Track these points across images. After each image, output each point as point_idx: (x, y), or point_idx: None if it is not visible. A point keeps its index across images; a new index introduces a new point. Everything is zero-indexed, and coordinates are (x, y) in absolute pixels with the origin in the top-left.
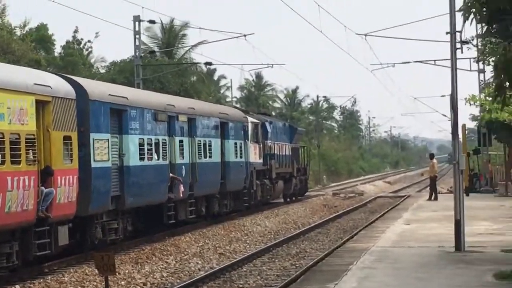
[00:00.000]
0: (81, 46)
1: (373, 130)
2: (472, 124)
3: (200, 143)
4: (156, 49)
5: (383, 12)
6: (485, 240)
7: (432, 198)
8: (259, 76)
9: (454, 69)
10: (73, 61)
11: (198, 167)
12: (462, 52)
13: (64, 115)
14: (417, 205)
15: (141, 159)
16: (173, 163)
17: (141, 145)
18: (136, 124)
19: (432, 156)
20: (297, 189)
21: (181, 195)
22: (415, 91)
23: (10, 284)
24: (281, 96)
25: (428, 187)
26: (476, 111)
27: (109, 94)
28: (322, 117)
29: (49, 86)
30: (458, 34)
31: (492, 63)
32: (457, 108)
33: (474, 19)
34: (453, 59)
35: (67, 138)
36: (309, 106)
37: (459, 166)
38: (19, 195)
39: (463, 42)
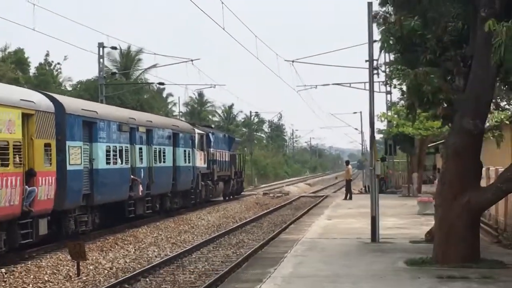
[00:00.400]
0: (52, 67)
1: (296, 141)
2: (378, 136)
3: (156, 150)
4: (115, 71)
5: (310, 42)
6: (394, 233)
7: (347, 198)
8: (201, 95)
9: (371, 91)
10: (45, 80)
11: (154, 171)
12: (378, 77)
13: (45, 126)
14: (335, 203)
15: (108, 163)
16: (134, 167)
17: (107, 151)
18: (104, 134)
19: (347, 162)
20: (234, 189)
21: (140, 194)
22: (332, 108)
23: None
24: (219, 111)
25: (344, 188)
26: (381, 125)
27: (82, 109)
28: (253, 129)
29: (33, 101)
30: (374, 61)
31: (398, 87)
32: (374, 123)
33: (389, 50)
34: (371, 82)
35: (47, 145)
36: (242, 120)
37: (375, 171)
38: (7, 193)
39: (374, 69)
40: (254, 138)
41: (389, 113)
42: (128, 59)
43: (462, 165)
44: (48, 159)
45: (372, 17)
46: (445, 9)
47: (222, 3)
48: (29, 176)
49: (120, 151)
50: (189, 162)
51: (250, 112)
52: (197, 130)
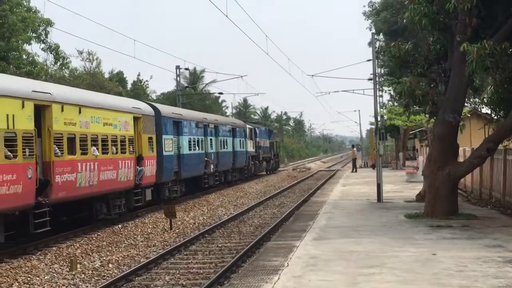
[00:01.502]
0: (142, 83)
1: (312, 131)
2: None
3: (221, 140)
4: (186, 84)
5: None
6: (392, 195)
7: (353, 171)
8: (245, 100)
9: (375, 96)
10: (138, 92)
11: (220, 154)
12: (387, 86)
13: (148, 125)
14: (345, 175)
15: (190, 149)
16: (207, 152)
17: (189, 142)
18: (187, 129)
19: (353, 146)
20: (274, 166)
21: (211, 171)
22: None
23: (114, 225)
24: (258, 111)
25: (351, 164)
26: (372, 119)
27: (172, 112)
28: (283, 124)
29: (140, 108)
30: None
31: (388, 92)
32: (377, 118)
33: (391, 66)
34: (375, 91)
35: (150, 138)
36: (275, 117)
37: (379, 152)
38: (125, 171)
39: (370, 79)
40: (284, 130)
41: (383, 111)
42: (195, 76)
43: (444, 147)
44: (151, 148)
45: (374, 44)
46: (422, 36)
47: (266, 36)
48: (139, 160)
49: (198, 141)
50: (243, 148)
51: (281, 112)
52: (247, 125)
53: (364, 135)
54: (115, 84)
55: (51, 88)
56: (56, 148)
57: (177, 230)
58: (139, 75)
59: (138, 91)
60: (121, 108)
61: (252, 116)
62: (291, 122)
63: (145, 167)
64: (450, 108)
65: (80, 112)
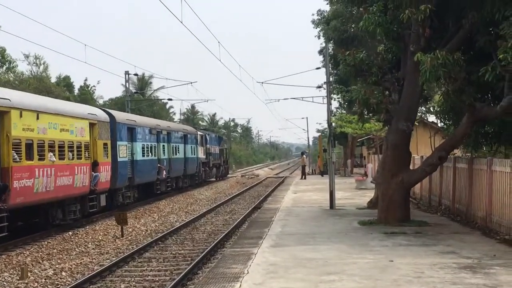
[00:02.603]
0: (89, 88)
1: (260, 138)
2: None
3: (173, 147)
4: (134, 90)
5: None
6: (344, 202)
7: (303, 178)
8: (193, 107)
9: (328, 103)
10: (86, 98)
11: (172, 161)
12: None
13: (103, 131)
14: (295, 182)
15: (143, 156)
16: (160, 158)
17: (143, 148)
18: (140, 136)
19: (302, 153)
20: (223, 173)
21: (163, 177)
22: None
23: (64, 232)
24: (206, 118)
25: (300, 171)
26: (319, 126)
27: (127, 119)
28: (231, 130)
29: (95, 114)
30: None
31: (337, 99)
32: (332, 126)
33: (346, 75)
34: (328, 98)
35: (105, 144)
36: (223, 124)
37: (332, 159)
38: (81, 177)
39: (319, 87)
40: (231, 137)
41: (333, 118)
42: (143, 82)
43: (397, 154)
44: (106, 154)
45: (327, 51)
46: (372, 46)
47: (219, 42)
48: (94, 166)
49: (151, 147)
50: (194, 154)
51: (229, 118)
52: (198, 132)
53: (311, 142)
54: (62, 89)
55: (10, 94)
56: (15, 154)
57: (129, 237)
58: (86, 80)
59: (85, 96)
60: (77, 114)
61: (200, 122)
62: (239, 129)
63: (100, 173)
64: (403, 117)
65: (38, 118)
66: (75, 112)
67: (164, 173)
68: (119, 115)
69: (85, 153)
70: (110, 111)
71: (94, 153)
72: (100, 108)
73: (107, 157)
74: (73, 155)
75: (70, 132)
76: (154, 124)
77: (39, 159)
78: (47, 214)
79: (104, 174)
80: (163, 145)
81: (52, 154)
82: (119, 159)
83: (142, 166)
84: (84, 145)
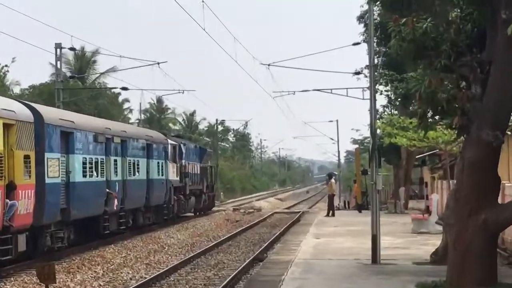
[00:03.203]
0: None
1: (264, 151)
2: (353, 147)
3: (131, 162)
4: (68, 74)
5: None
6: (394, 254)
7: (330, 214)
8: (160, 101)
9: (372, 100)
10: None
11: (128, 184)
12: (380, 84)
13: (24, 137)
14: (317, 220)
15: (84, 176)
16: (109, 180)
17: (84, 163)
18: (81, 144)
19: (330, 176)
20: (206, 204)
21: (115, 209)
22: (307, 116)
23: None
24: (180, 119)
25: (327, 204)
26: (356, 135)
27: (60, 119)
28: (220, 139)
29: (13, 111)
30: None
31: (385, 93)
32: (376, 135)
33: (402, 56)
34: (372, 91)
35: (27, 157)
36: (205, 128)
37: (376, 186)
38: None
39: (356, 73)
40: (219, 149)
41: (379, 123)
42: (83, 61)
43: (478, 180)
44: (28, 171)
45: (370, 21)
46: (441, 10)
47: (203, 1)
48: (9, 189)
49: (96, 163)
50: (162, 175)
51: (216, 120)
52: (169, 141)
53: (343, 159)
54: None
55: None
56: None
57: None
58: None
59: None
60: None
61: (171, 125)
62: (231, 136)
63: (18, 201)
64: (489, 122)
65: None
66: None
67: (116, 203)
68: (49, 113)
69: None
70: (35, 106)
71: (9, 169)
72: (19, 101)
73: (30, 176)
74: None
75: None
76: (101, 128)
77: None
78: None
79: (25, 203)
80: (115, 160)
81: None
82: (47, 180)
83: (83, 192)
84: None
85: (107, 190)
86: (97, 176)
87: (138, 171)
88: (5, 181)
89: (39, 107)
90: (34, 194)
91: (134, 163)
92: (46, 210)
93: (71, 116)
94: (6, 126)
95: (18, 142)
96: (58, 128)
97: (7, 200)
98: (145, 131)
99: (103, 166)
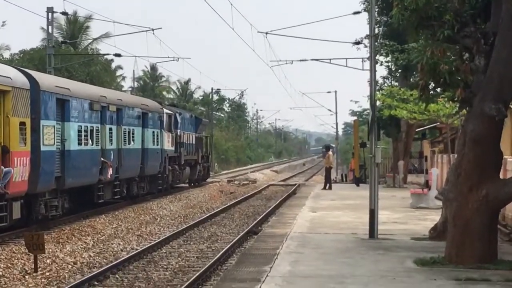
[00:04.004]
0: None
1: (260, 122)
2: (350, 119)
3: (126, 131)
4: (60, 39)
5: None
6: (392, 229)
7: (327, 187)
8: (153, 68)
9: (373, 70)
10: None
11: (123, 153)
12: (381, 54)
13: (20, 103)
14: (314, 193)
15: (79, 144)
16: (104, 149)
17: (79, 131)
18: (76, 112)
19: (328, 148)
20: (201, 175)
21: (109, 177)
22: (304, 87)
23: None
24: (174, 87)
25: (324, 177)
26: (355, 106)
27: (56, 86)
28: (214, 108)
29: (9, 77)
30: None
31: (385, 64)
32: (376, 107)
33: (403, 25)
34: (372, 61)
35: (22, 124)
36: (200, 97)
37: (375, 159)
38: None
39: (356, 43)
40: (214, 118)
41: (379, 94)
42: (76, 26)
43: (480, 154)
44: (23, 138)
45: None
46: None
47: None
48: (3, 155)
49: (91, 131)
50: (157, 145)
51: (212, 89)
52: (165, 110)
53: (341, 132)
54: None
55: None
56: None
57: (46, 273)
58: None
59: None
60: None
61: (165, 93)
62: (226, 106)
63: (13, 168)
64: (492, 95)
65: None
66: None
67: (110, 172)
68: (45, 80)
69: None
70: (31, 72)
71: (5, 136)
72: (15, 68)
73: (25, 144)
74: None
75: None
76: (97, 96)
77: None
78: None
79: (20, 170)
80: (110, 129)
81: None
82: (42, 148)
83: (78, 160)
84: None
85: (102, 159)
86: (92, 145)
87: (133, 140)
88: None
89: (35, 73)
90: (29, 162)
91: (129, 132)
92: (41, 178)
93: (67, 83)
94: (2, 93)
95: (13, 109)
96: (54, 96)
97: (2, 167)
98: (141, 100)
99: (98, 134)
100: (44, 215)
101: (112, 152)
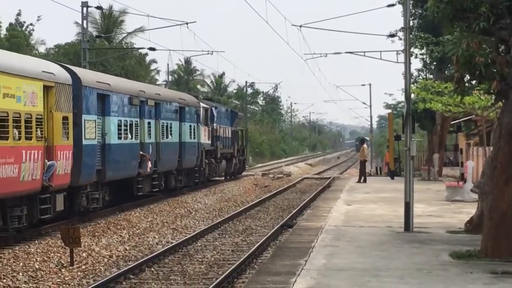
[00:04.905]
0: (23, 28)
1: (294, 115)
2: (384, 112)
3: (164, 125)
4: (95, 33)
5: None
6: (427, 222)
7: (361, 180)
8: (188, 62)
9: (407, 63)
10: (18, 43)
11: (161, 147)
12: (416, 47)
13: (63, 99)
14: (348, 187)
15: (119, 138)
16: (143, 142)
17: (119, 126)
18: (116, 107)
19: (362, 141)
20: (236, 168)
21: (148, 171)
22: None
23: None
24: (208, 81)
25: (359, 170)
26: (389, 99)
27: (97, 81)
28: (249, 101)
29: (53, 73)
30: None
31: (420, 57)
32: (410, 100)
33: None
34: (407, 53)
35: (65, 119)
36: (234, 91)
37: (410, 152)
38: (31, 166)
39: (391, 36)
40: (248, 112)
41: (414, 87)
42: (110, 21)
43: None
44: (66, 133)
45: None
46: None
47: None
48: (48, 150)
49: (131, 125)
50: (194, 138)
51: (246, 82)
52: (201, 104)
53: (375, 125)
54: None
55: None
56: None
57: (82, 267)
58: (19, 14)
59: (18, 40)
60: (27, 72)
61: (199, 87)
62: (260, 100)
63: (56, 161)
64: None
65: None
66: (23, 69)
67: (149, 165)
68: (86, 75)
69: (36, 131)
70: (73, 68)
71: (49, 131)
72: (58, 64)
73: (67, 138)
74: (19, 133)
75: (16, 98)
76: (136, 90)
77: None
78: None
79: (63, 164)
80: (149, 123)
81: None
82: (84, 142)
83: (118, 154)
84: (36, 118)
85: (141, 152)
86: (132, 139)
87: (171, 134)
88: (45, 142)
89: (77, 69)
90: (72, 155)
91: (167, 126)
92: (83, 171)
93: (107, 78)
94: (46, 88)
95: (57, 104)
96: (95, 91)
97: (46, 160)
98: (178, 94)
99: (137, 128)
100: (85, 207)
101: (150, 145)
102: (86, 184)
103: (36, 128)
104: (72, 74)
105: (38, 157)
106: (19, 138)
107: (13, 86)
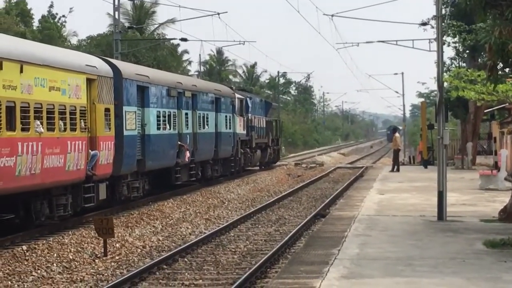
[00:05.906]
0: (56, 20)
1: (327, 105)
2: (417, 100)
3: (201, 116)
4: (127, 24)
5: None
6: (461, 210)
7: (395, 169)
8: (220, 52)
9: (440, 51)
10: (51, 35)
11: (198, 137)
12: (448, 35)
13: (105, 91)
14: (382, 176)
15: (158, 128)
16: (181, 133)
17: (158, 117)
18: (155, 98)
19: (394, 130)
20: (271, 158)
21: (186, 160)
22: (368, 69)
23: (15, 245)
24: (240, 71)
25: (392, 159)
26: (422, 88)
27: (136, 73)
28: (281, 91)
29: (95, 66)
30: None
31: (452, 45)
32: (443, 88)
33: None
34: (439, 42)
35: (107, 110)
36: (267, 81)
37: (443, 141)
38: (75, 157)
39: (423, 24)
40: (281, 102)
41: (447, 75)
42: (142, 12)
43: None
44: (108, 124)
45: None
46: None
47: None
48: (91, 141)
49: (169, 116)
50: (229, 129)
51: (278, 72)
52: (236, 95)
53: (408, 113)
54: (14, 19)
55: None
56: None
57: (116, 257)
58: (51, 7)
59: (50, 32)
60: (71, 66)
61: (231, 77)
62: (292, 89)
63: (99, 151)
64: None
65: (21, 71)
66: (68, 63)
67: (187, 155)
68: (127, 68)
69: (80, 123)
70: (114, 61)
71: (92, 122)
72: (99, 57)
73: (110, 129)
74: (65, 124)
75: (61, 91)
76: (173, 82)
77: (23, 130)
78: (29, 208)
79: (105, 154)
80: (186, 113)
81: (39, 122)
82: (125, 133)
83: (157, 144)
84: (80, 110)
85: (179, 142)
86: (170, 129)
87: (207, 124)
88: (89, 133)
89: (117, 62)
90: (113, 146)
91: (203, 117)
92: (124, 161)
93: (146, 71)
94: (89, 81)
95: (99, 96)
96: (134, 83)
97: (90, 150)
98: (214, 85)
99: (175, 119)
100: (126, 196)
101: (188, 136)
102: (127, 173)
103: (80, 119)
104: (113, 67)
105: (82, 147)
106: (65, 130)
107: (59, 80)
